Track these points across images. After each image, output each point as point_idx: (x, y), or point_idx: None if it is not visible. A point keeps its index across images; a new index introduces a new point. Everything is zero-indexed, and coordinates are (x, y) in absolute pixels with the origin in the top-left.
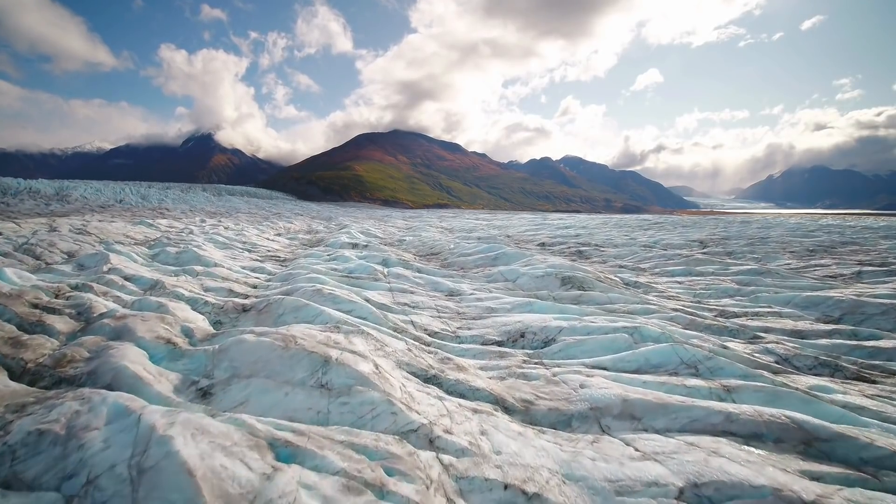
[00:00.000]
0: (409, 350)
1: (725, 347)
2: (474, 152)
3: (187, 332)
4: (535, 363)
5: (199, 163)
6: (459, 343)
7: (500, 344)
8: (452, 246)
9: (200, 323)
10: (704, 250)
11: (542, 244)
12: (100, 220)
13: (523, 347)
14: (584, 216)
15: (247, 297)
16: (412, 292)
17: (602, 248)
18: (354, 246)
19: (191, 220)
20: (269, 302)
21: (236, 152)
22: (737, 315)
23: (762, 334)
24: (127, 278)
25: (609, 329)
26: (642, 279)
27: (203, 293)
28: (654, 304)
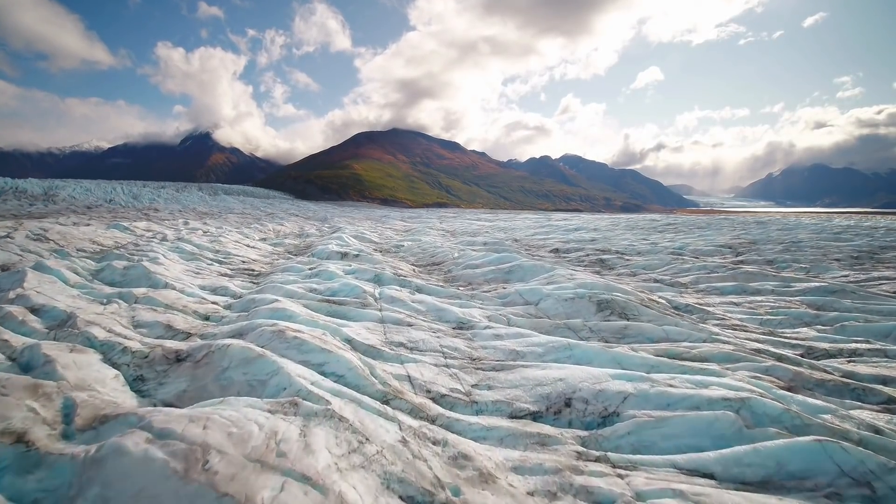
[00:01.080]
0: (404, 445)
1: (879, 433)
2: (473, 151)
3: (67, 413)
4: (598, 461)
5: (197, 162)
6: (477, 414)
7: (536, 417)
8: (457, 254)
9: (104, 387)
10: (739, 257)
11: (556, 250)
12: (74, 223)
13: (572, 425)
14: (589, 216)
15: (189, 335)
16: (410, 324)
17: (626, 257)
18: (344, 256)
19: (174, 222)
20: (211, 350)
21: (235, 151)
22: (830, 355)
23: (889, 390)
24: (34, 310)
25: (700, 400)
26: (690, 299)
27: (127, 333)
28: (727, 341)
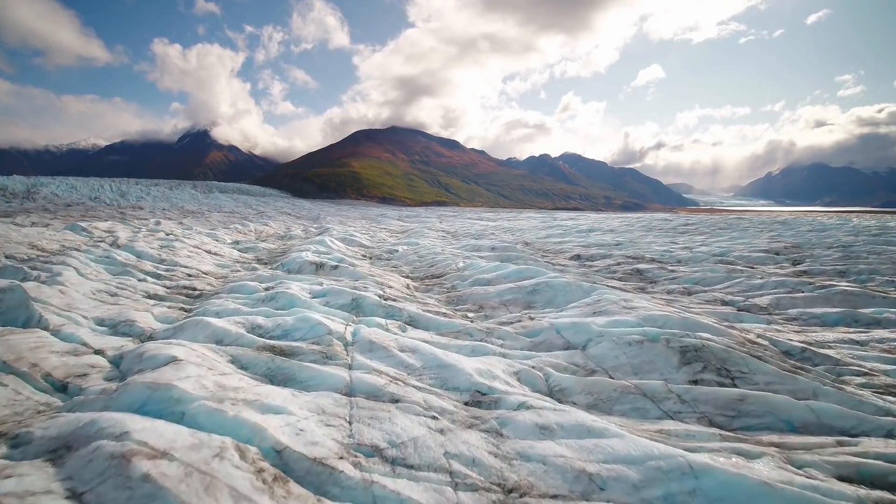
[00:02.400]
0: None
1: None
2: (473, 149)
3: None
4: None
5: (195, 160)
6: None
7: None
8: (461, 263)
9: None
10: (798, 266)
11: (577, 257)
12: (32, 224)
13: None
14: (596, 215)
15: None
16: (395, 398)
17: (667, 266)
18: (319, 268)
19: (145, 221)
20: None
21: (233, 149)
22: None
23: None
24: None
25: None
26: (792, 335)
27: None
28: None
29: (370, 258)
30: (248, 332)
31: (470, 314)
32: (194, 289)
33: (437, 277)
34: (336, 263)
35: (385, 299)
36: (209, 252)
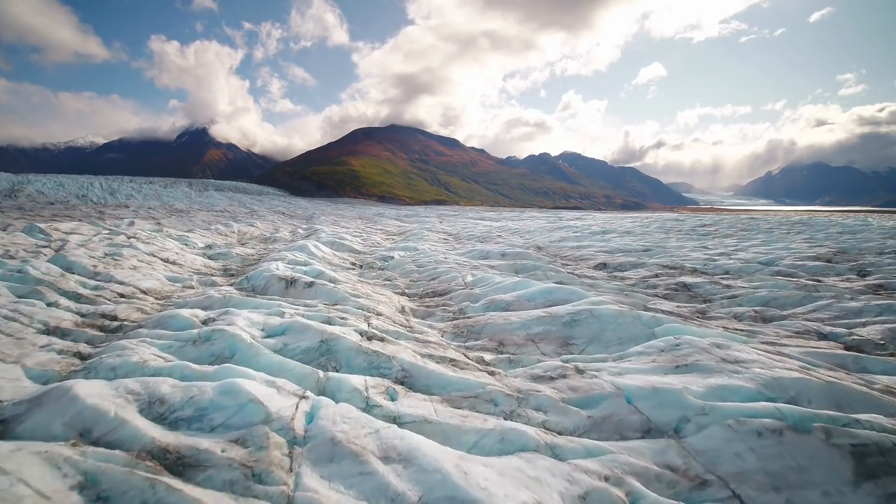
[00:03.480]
0: None
1: None
2: (472, 148)
3: None
4: None
5: (193, 158)
6: None
7: None
8: (469, 277)
9: None
10: (867, 279)
11: (603, 265)
12: None
13: None
14: (602, 215)
15: None
16: None
17: (718, 281)
18: (290, 285)
19: (119, 221)
20: None
21: (231, 147)
22: None
23: None
24: None
25: None
26: None
27: None
28: None
29: (360, 267)
30: (140, 411)
31: (488, 356)
32: (115, 318)
33: (441, 295)
34: (312, 279)
35: (369, 338)
36: (166, 261)
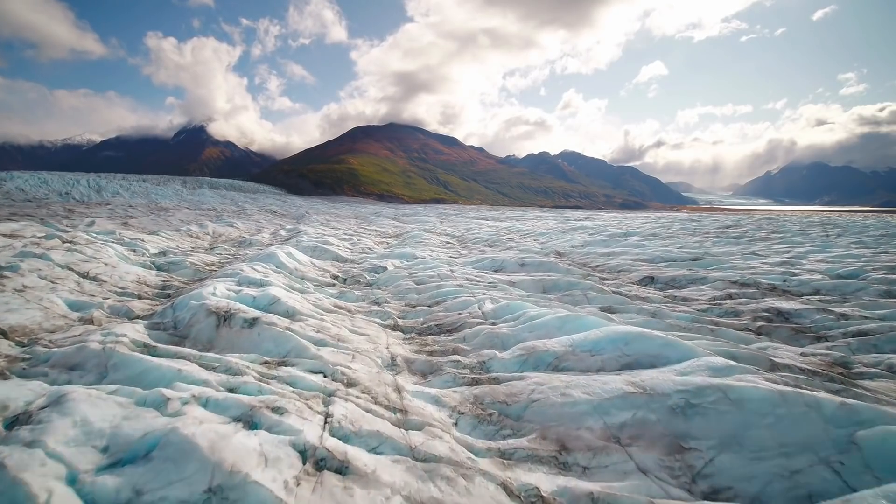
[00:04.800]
0: None
1: None
2: (472, 146)
3: None
4: None
5: (191, 156)
6: None
7: None
8: (489, 305)
9: None
10: None
11: (651, 280)
12: None
13: None
14: (610, 215)
15: None
16: None
17: (826, 307)
18: (223, 323)
19: (74, 222)
20: None
21: (229, 145)
22: None
23: None
24: None
25: None
26: None
27: None
28: None
29: (342, 281)
30: None
31: (546, 485)
32: None
33: (449, 333)
34: (258, 313)
35: (317, 468)
36: (84, 276)
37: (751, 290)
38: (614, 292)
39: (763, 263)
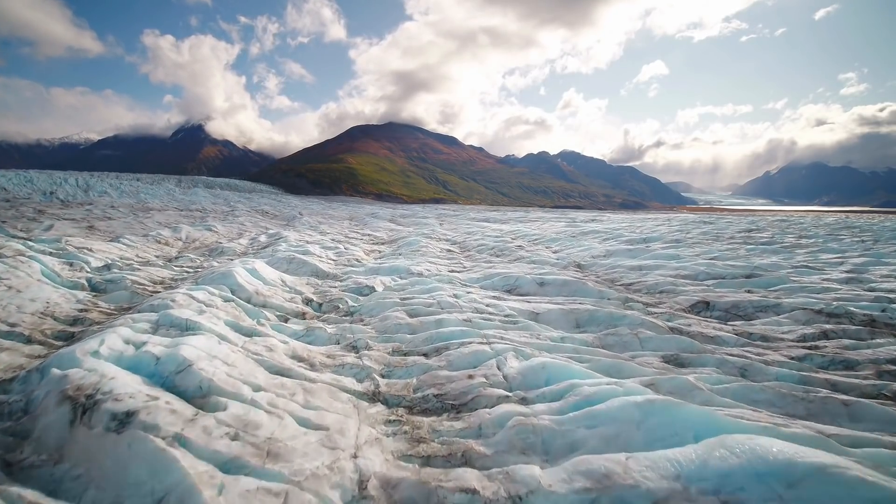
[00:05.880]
0: None
1: None
2: (471, 146)
3: None
4: None
5: (189, 154)
6: None
7: None
8: (514, 365)
9: None
10: None
11: (706, 306)
12: None
13: None
14: (618, 216)
15: None
16: None
17: None
18: (79, 418)
19: (38, 225)
20: None
21: (227, 144)
22: None
23: None
24: None
25: None
26: None
27: None
28: None
29: (316, 308)
30: None
31: None
32: None
33: (455, 412)
34: (136, 406)
35: None
36: None
37: (846, 325)
38: (671, 328)
39: (826, 281)
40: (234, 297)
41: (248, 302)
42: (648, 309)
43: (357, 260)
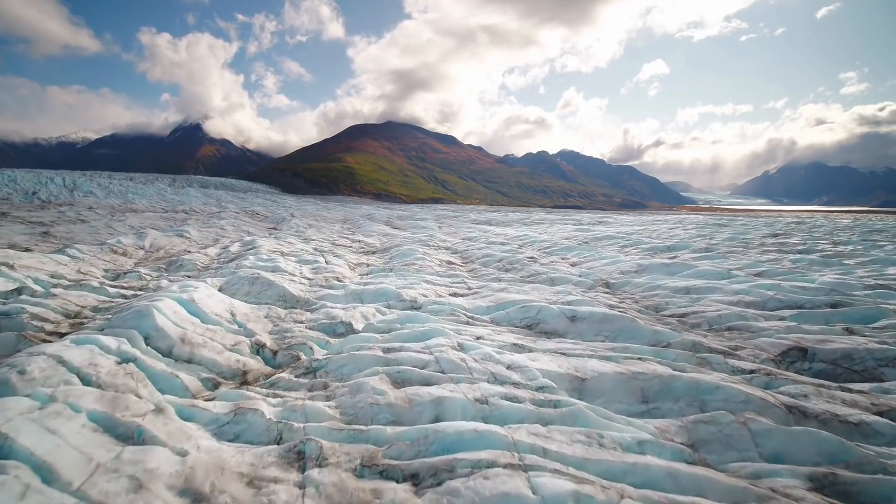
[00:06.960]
0: None
1: None
2: (470, 145)
3: None
4: None
5: (187, 153)
6: None
7: None
8: None
9: None
10: None
11: (802, 355)
12: None
13: None
14: (627, 218)
15: None
16: None
17: None
18: None
19: (12, 228)
20: None
21: (225, 143)
22: None
23: None
24: None
25: None
26: None
27: None
28: None
29: (266, 361)
30: None
31: None
32: None
33: None
34: None
35: None
36: None
37: None
38: (788, 407)
39: None
40: (147, 347)
41: (168, 355)
42: (728, 362)
43: (337, 278)
